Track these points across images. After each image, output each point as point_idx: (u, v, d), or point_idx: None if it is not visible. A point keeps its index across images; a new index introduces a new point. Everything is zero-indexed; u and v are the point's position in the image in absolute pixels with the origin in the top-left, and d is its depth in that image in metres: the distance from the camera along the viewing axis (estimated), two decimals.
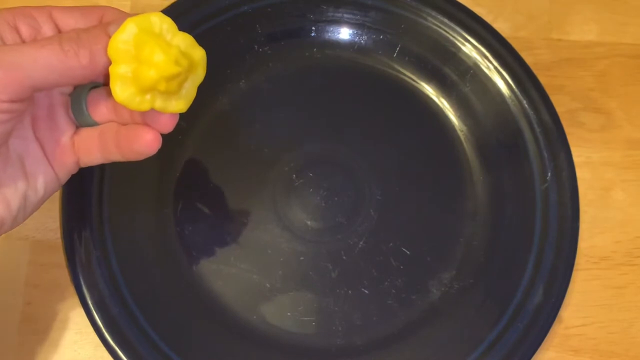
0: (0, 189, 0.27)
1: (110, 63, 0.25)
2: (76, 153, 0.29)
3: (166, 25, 0.25)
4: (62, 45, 0.24)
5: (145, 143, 0.27)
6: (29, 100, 0.25)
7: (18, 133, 0.27)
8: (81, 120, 0.29)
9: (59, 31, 0.27)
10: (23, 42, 0.26)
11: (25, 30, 0.26)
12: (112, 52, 0.25)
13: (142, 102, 0.25)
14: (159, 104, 0.26)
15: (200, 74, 0.27)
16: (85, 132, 0.29)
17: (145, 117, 0.27)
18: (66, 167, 0.29)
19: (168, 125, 0.27)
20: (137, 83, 0.25)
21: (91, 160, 0.29)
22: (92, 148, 0.29)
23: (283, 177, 0.37)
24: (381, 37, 0.40)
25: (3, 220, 0.27)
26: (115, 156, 0.29)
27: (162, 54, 0.24)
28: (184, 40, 0.25)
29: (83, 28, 0.26)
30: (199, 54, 0.26)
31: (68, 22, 0.27)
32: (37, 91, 0.25)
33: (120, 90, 0.25)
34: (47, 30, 0.26)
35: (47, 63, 0.24)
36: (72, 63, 0.25)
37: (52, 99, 0.28)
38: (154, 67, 0.24)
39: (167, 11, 0.38)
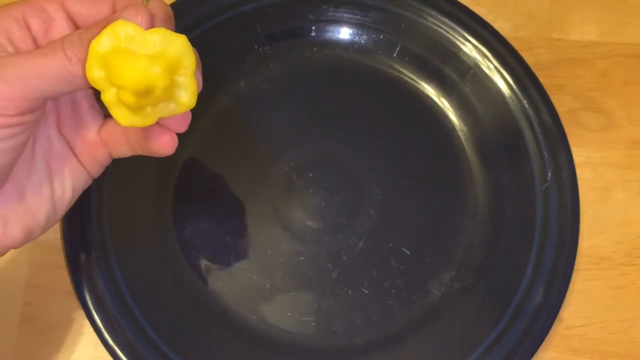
0: (25, 200, 0.26)
1: None
2: (106, 146, 0.28)
3: (130, 31, 0.23)
4: (66, 52, 0.23)
5: (161, 145, 0.27)
6: (41, 108, 0.24)
7: (42, 133, 0.27)
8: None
9: (72, 21, 0.26)
10: (33, 39, 0.25)
11: (36, 25, 0.25)
12: (91, 82, 0.23)
13: (145, 118, 0.24)
14: (162, 111, 0.24)
15: (187, 64, 0.24)
16: (113, 125, 0.28)
17: (159, 121, 0.26)
18: (98, 162, 0.28)
19: (182, 125, 0.27)
20: (126, 105, 0.23)
21: (120, 153, 0.28)
22: (120, 141, 0.28)
23: (283, 177, 0.37)
24: (381, 37, 0.40)
25: (30, 231, 0.26)
26: (140, 151, 0.28)
27: (128, 71, 0.22)
28: (155, 39, 0.23)
29: (86, 28, 0.24)
30: (175, 46, 0.23)
31: (80, 10, 0.25)
32: (48, 99, 0.25)
33: (119, 115, 0.24)
34: (60, 22, 0.25)
35: (53, 73, 0.23)
36: (78, 71, 0.23)
37: (74, 94, 0.28)
38: (128, 87, 0.23)
39: None
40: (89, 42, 0.23)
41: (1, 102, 0.23)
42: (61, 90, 0.24)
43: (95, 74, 0.23)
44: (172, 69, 0.23)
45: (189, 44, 0.24)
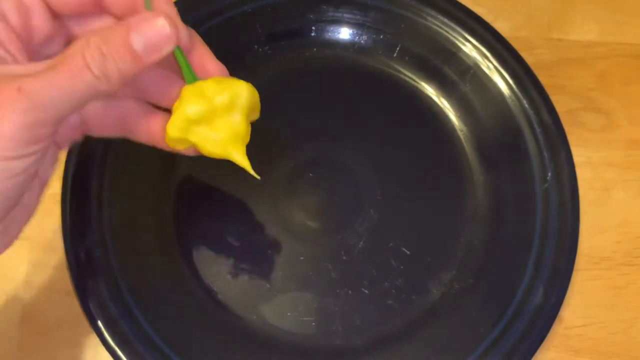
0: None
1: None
2: (85, 130, 0.28)
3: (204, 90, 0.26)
4: (93, 71, 0.22)
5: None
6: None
7: None
8: None
9: (47, 5, 0.24)
10: (18, 35, 0.24)
11: (14, 19, 0.24)
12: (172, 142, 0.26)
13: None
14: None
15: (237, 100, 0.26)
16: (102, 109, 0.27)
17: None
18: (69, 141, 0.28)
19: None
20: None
21: (109, 134, 0.28)
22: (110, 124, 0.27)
23: (283, 177, 0.37)
24: (381, 37, 0.40)
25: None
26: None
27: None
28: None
29: (101, 39, 0.23)
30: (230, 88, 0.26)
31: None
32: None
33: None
34: (37, 9, 0.24)
35: (81, 92, 0.22)
36: (104, 88, 0.23)
37: None
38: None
39: None
40: (114, 61, 0.23)
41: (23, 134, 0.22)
42: (80, 107, 0.23)
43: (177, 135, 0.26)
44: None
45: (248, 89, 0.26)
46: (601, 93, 0.41)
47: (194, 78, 0.26)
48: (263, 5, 0.39)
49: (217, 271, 0.35)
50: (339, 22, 0.40)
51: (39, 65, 0.23)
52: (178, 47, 0.25)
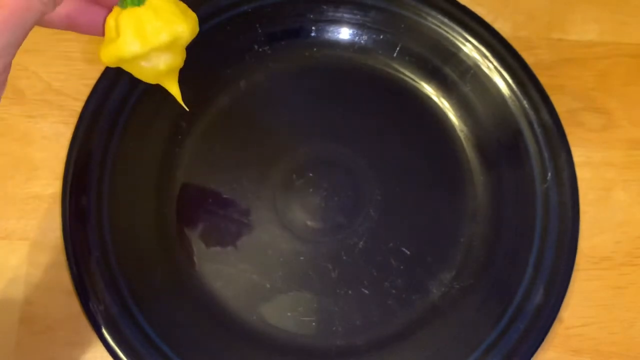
0: None
1: None
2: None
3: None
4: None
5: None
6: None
7: None
8: None
9: None
10: None
11: None
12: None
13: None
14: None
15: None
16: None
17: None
18: None
19: None
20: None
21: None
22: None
23: (283, 177, 0.37)
24: (381, 37, 0.40)
25: None
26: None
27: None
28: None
29: None
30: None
31: None
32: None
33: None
34: None
35: (32, 22, 0.21)
36: (50, 9, 0.22)
37: None
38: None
39: None
40: None
41: None
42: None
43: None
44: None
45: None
46: (601, 93, 0.41)
47: None
48: (263, 5, 0.39)
49: (217, 271, 0.35)
50: (339, 22, 0.40)
51: None
52: None
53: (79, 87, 0.39)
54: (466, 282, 0.35)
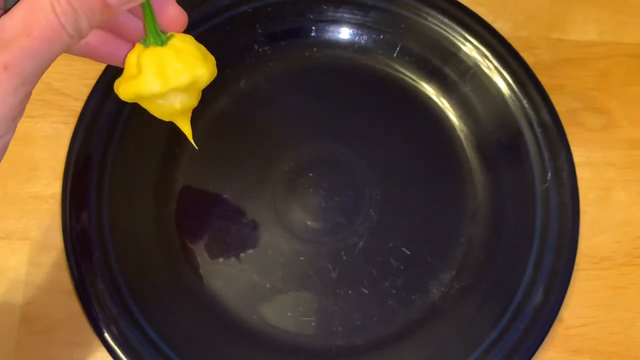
0: None
1: None
2: None
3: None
4: (68, 30, 0.21)
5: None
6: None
7: None
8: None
9: None
10: None
11: None
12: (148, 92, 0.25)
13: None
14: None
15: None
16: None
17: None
18: None
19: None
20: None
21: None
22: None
23: (283, 177, 0.37)
24: (381, 37, 0.40)
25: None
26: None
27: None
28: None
29: None
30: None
31: None
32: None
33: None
34: None
35: (57, 52, 0.21)
36: (75, 42, 0.22)
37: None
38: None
39: None
40: (87, 16, 0.21)
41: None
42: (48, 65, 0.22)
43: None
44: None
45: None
46: (601, 93, 0.41)
47: (156, 32, 0.25)
48: (263, 5, 0.39)
49: (217, 271, 0.35)
50: (339, 22, 0.40)
51: (8, 30, 0.21)
52: None
53: (79, 87, 0.39)
54: (466, 282, 0.35)
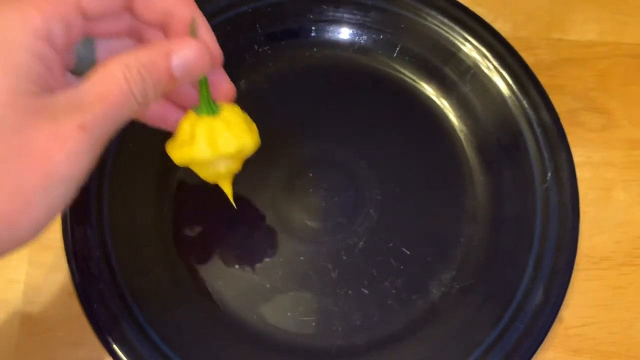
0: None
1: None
2: None
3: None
4: (137, 98, 0.23)
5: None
6: None
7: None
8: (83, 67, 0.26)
9: (85, 13, 0.24)
10: (60, 54, 0.23)
11: (59, 33, 0.23)
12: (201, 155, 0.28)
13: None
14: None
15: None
16: None
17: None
18: None
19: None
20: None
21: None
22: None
23: (283, 177, 0.37)
24: (381, 37, 0.40)
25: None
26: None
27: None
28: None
29: (141, 63, 0.23)
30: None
31: (92, 3, 0.24)
32: None
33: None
34: (76, 24, 0.23)
35: (127, 117, 0.23)
36: (143, 108, 0.24)
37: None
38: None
39: None
40: (154, 86, 0.23)
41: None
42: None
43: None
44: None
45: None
46: (601, 93, 0.41)
47: (209, 104, 0.27)
48: (263, 5, 0.39)
49: (217, 271, 0.35)
50: (339, 22, 0.40)
51: (84, 93, 0.22)
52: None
53: None
54: (466, 282, 0.35)
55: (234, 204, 0.32)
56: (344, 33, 0.40)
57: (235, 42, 0.39)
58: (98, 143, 0.22)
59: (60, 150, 0.21)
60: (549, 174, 0.36)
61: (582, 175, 0.38)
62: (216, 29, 0.39)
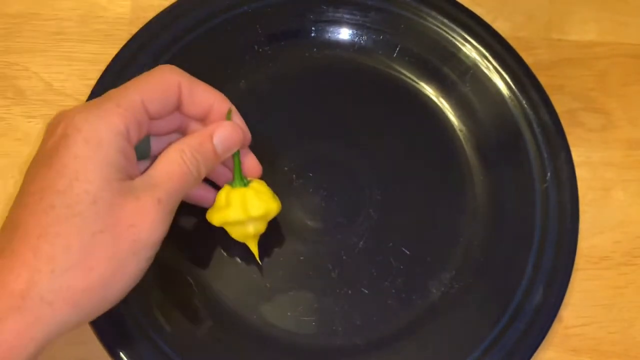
0: None
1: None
2: None
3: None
4: (194, 175, 0.29)
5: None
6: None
7: None
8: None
9: (150, 115, 0.29)
10: (131, 146, 0.28)
11: (134, 133, 0.28)
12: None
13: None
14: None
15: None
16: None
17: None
18: None
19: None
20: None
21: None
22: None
23: (283, 177, 0.37)
24: (381, 37, 0.40)
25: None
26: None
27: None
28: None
29: (194, 148, 0.29)
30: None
31: (155, 108, 0.29)
32: None
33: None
34: (145, 124, 0.29)
35: (187, 191, 0.29)
36: (197, 183, 0.30)
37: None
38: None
39: (168, 12, 0.39)
40: (205, 163, 0.30)
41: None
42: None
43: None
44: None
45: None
46: (601, 93, 0.41)
47: (241, 177, 0.33)
48: (263, 6, 0.39)
49: (217, 271, 0.35)
50: (339, 22, 0.40)
51: (156, 175, 0.28)
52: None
53: (79, 87, 0.39)
54: (466, 282, 0.35)
55: (259, 261, 0.35)
56: (344, 33, 0.40)
57: (235, 42, 0.39)
58: (171, 212, 0.28)
59: (144, 221, 0.27)
60: (549, 174, 0.36)
61: (582, 175, 0.38)
62: (216, 29, 0.39)
